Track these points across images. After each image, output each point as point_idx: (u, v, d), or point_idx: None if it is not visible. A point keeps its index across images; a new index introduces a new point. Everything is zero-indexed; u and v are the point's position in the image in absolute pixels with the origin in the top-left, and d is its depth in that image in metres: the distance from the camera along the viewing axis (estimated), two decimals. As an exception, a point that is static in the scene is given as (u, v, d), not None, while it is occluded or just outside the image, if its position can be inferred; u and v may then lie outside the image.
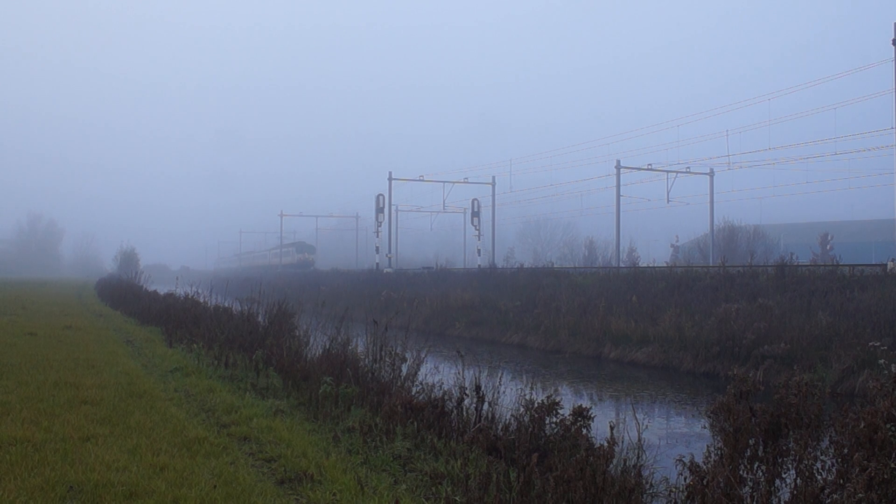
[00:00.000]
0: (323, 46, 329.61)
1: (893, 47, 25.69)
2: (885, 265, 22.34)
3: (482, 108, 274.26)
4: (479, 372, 8.39)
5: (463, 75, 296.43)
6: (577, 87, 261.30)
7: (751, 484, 5.04)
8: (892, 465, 4.13)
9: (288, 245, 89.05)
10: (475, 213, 54.60)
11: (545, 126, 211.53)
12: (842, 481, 4.43)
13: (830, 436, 4.85)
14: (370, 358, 10.26)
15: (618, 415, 13.43)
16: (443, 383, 9.03)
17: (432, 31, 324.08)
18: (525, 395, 7.49)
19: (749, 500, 4.92)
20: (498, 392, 8.25)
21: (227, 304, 18.95)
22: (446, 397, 8.27)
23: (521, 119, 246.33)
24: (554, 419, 6.93)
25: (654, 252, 64.36)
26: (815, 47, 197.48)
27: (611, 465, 5.36)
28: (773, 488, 4.95)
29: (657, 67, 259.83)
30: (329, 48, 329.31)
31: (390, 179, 53.04)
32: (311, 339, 12.88)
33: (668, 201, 45.12)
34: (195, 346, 13.54)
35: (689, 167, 44.29)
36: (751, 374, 11.72)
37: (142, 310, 22.79)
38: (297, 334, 13.69)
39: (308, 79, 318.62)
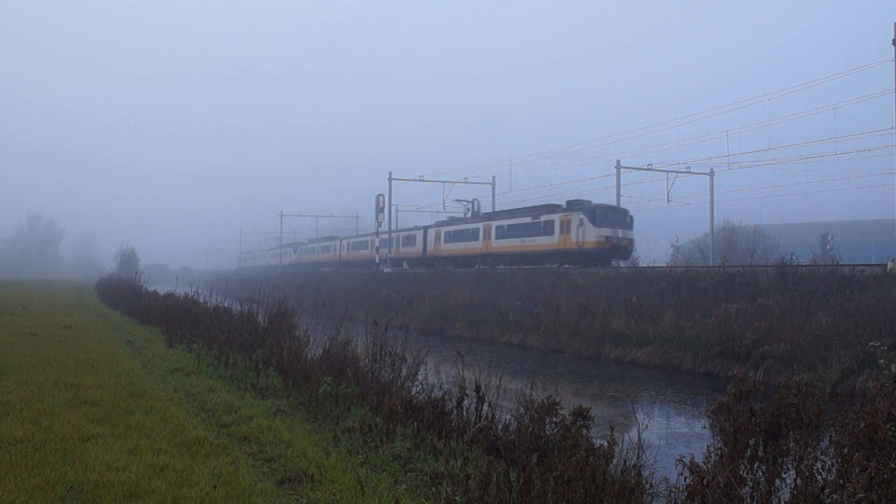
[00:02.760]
0: (323, 44, 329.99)
1: (893, 47, 25.70)
2: (885, 265, 22.33)
3: (483, 106, 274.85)
4: (479, 372, 8.39)
5: (463, 74, 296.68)
6: (577, 86, 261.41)
7: (751, 484, 5.04)
8: (892, 465, 4.13)
9: (557, 210, 36.93)
10: (475, 213, 54.59)
11: (545, 123, 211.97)
12: (842, 481, 4.43)
13: (830, 436, 4.85)
14: (370, 358, 10.26)
15: (618, 415, 13.43)
16: (443, 383, 9.03)
17: (432, 29, 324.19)
18: (525, 395, 7.50)
19: (749, 500, 4.92)
20: (498, 392, 8.25)
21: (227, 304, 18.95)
22: (446, 397, 8.27)
23: (521, 116, 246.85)
24: (554, 419, 6.94)
25: (654, 252, 64.39)
26: (815, 46, 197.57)
27: (611, 465, 5.36)
28: (773, 488, 4.95)
29: (657, 66, 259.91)
30: (329, 45, 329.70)
31: (390, 179, 53.03)
32: (311, 339, 12.88)
33: (668, 201, 45.08)
34: (195, 346, 13.54)
35: (689, 167, 44.31)
36: (751, 374, 11.72)
37: (142, 310, 22.79)
38: (297, 334, 13.68)
39: (308, 76, 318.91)
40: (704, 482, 4.79)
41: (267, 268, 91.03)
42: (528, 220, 38.64)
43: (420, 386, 9.34)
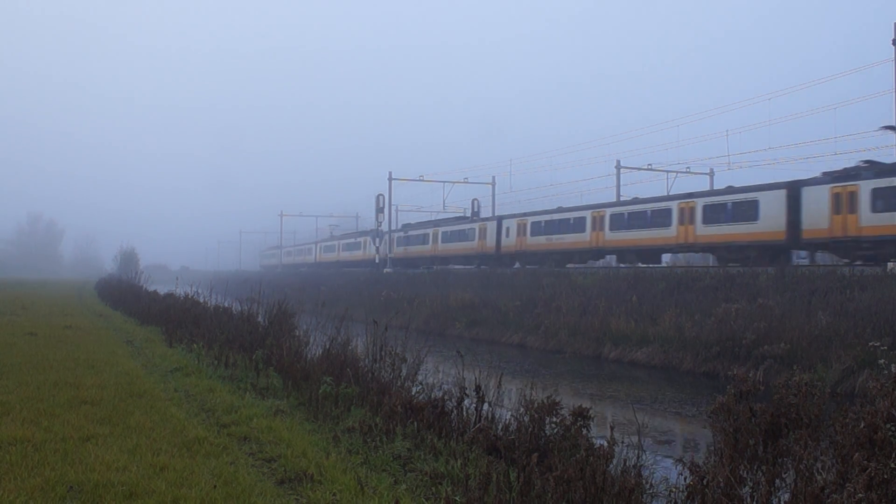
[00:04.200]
0: (321, 48, 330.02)
1: (893, 47, 25.70)
2: (885, 265, 22.33)
3: (483, 109, 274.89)
4: (479, 372, 8.39)
5: (463, 76, 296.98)
6: (577, 87, 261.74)
7: (751, 484, 5.04)
8: (892, 465, 4.13)
9: None
10: (475, 213, 54.60)
11: (545, 125, 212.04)
12: (842, 481, 4.42)
13: (830, 436, 4.86)
14: (370, 358, 10.25)
15: (618, 415, 13.43)
16: (443, 383, 9.03)
17: (431, 30, 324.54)
18: (525, 395, 7.49)
19: (749, 500, 4.92)
20: (498, 392, 8.25)
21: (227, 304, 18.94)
22: (446, 397, 8.27)
23: (521, 119, 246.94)
24: (554, 419, 6.93)
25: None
26: (815, 46, 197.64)
27: (611, 465, 5.36)
28: (773, 488, 4.95)
29: (657, 66, 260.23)
30: (328, 50, 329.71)
31: (390, 179, 53.04)
32: (311, 339, 12.87)
33: (670, 201, 44.62)
34: (195, 346, 13.53)
35: (688, 167, 44.36)
36: (751, 374, 11.73)
37: (142, 310, 22.78)
38: (297, 334, 13.67)
39: (307, 80, 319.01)
40: (704, 482, 4.79)
41: (313, 266, 67.37)
42: None
43: (420, 386, 9.34)
